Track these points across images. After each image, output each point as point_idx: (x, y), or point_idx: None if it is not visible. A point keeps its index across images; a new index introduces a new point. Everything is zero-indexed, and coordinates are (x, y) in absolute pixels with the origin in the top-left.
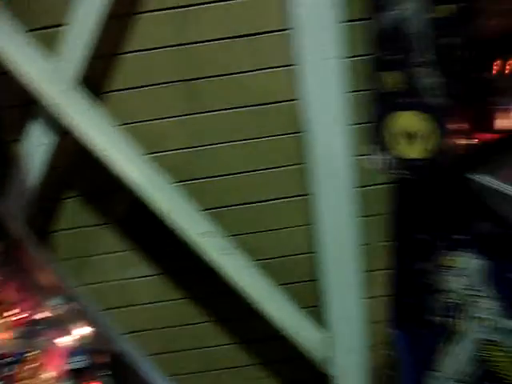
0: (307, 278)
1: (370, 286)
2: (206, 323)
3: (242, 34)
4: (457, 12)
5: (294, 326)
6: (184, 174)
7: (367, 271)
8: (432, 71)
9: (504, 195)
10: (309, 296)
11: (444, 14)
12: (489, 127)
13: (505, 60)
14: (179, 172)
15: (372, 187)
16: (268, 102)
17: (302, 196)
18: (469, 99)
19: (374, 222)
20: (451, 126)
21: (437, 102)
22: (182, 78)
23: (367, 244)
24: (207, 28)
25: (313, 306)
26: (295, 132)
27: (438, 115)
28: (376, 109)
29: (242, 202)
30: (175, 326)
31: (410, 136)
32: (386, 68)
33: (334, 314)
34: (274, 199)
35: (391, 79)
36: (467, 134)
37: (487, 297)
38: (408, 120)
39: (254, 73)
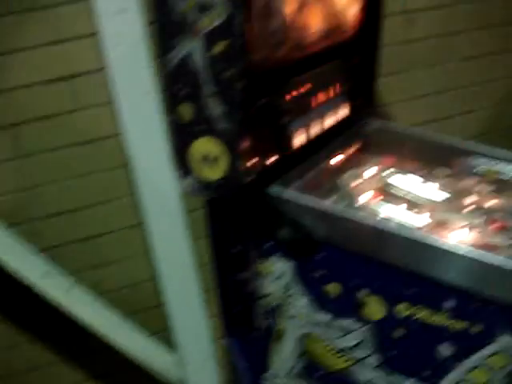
0: (153, 304)
1: (213, 304)
2: (57, 363)
3: (62, 76)
4: (233, 47)
5: (144, 353)
6: (18, 217)
7: (209, 290)
8: (218, 101)
9: (297, 204)
10: (156, 322)
11: (222, 50)
12: (282, 146)
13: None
14: (13, 216)
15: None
16: (93, 138)
17: (138, 225)
18: (257, 123)
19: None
20: (243, 148)
21: (226, 128)
22: (4, 124)
23: (206, 264)
24: (26, 72)
25: (161, 331)
26: (123, 165)
27: (228, 140)
28: (176, 138)
29: (80, 238)
30: (24, 369)
31: (208, 159)
32: (180, 101)
33: (181, 335)
34: (110, 232)
35: (186, 111)
36: (260, 154)
37: (298, 295)
38: (204, 145)
39: (77, 112)
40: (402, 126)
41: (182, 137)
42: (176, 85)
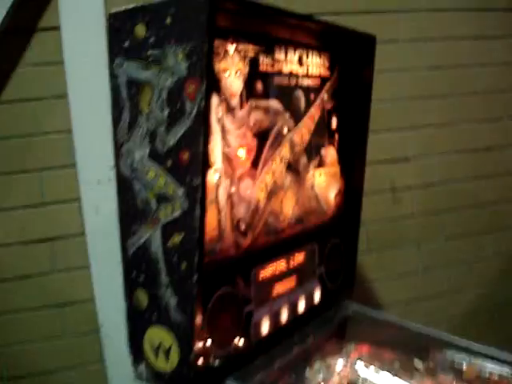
0: None
1: None
2: None
3: (41, 238)
4: (189, 241)
5: None
6: None
7: None
8: (172, 292)
9: None
10: None
11: (177, 242)
12: (244, 335)
13: (257, 274)
14: None
15: None
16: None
17: None
18: (216, 312)
19: None
20: (196, 342)
21: (179, 320)
22: None
23: None
24: (5, 232)
25: None
26: (95, 330)
27: (180, 332)
28: (132, 324)
29: None
30: None
31: (161, 349)
32: (138, 287)
33: None
34: None
35: (142, 298)
36: (218, 345)
37: None
38: (158, 334)
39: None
40: (379, 311)
41: (137, 323)
42: (134, 270)
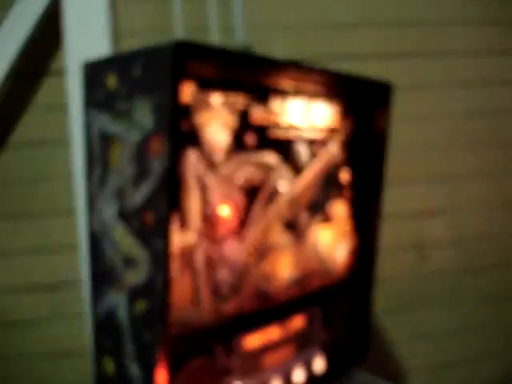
0: None
1: None
2: None
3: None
4: (153, 309)
5: None
6: None
7: None
8: (137, 363)
9: None
10: None
11: (142, 309)
12: None
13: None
14: None
15: None
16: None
17: None
18: None
19: None
20: None
21: None
22: None
23: None
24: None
25: None
26: None
27: None
28: None
29: None
30: None
31: None
32: (106, 353)
33: None
34: None
35: (109, 365)
36: None
37: None
38: None
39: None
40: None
41: None
42: (102, 336)
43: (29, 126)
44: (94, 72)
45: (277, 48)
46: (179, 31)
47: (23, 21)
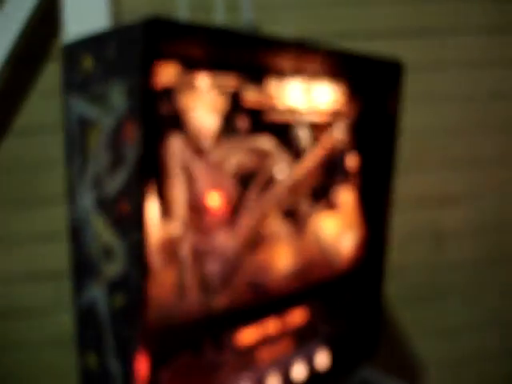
0: None
1: None
2: None
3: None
4: (131, 304)
5: None
6: None
7: None
8: (117, 359)
9: None
10: None
11: (121, 304)
12: None
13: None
14: None
15: None
16: None
17: None
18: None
19: None
20: None
21: None
22: None
23: None
24: None
25: None
26: None
27: None
28: None
29: None
30: None
31: None
32: (89, 348)
33: None
34: None
35: (92, 360)
36: None
37: None
38: None
39: None
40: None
41: None
42: (84, 330)
43: (29, 112)
44: (71, 54)
45: (286, 27)
46: (183, 10)
47: (22, 6)
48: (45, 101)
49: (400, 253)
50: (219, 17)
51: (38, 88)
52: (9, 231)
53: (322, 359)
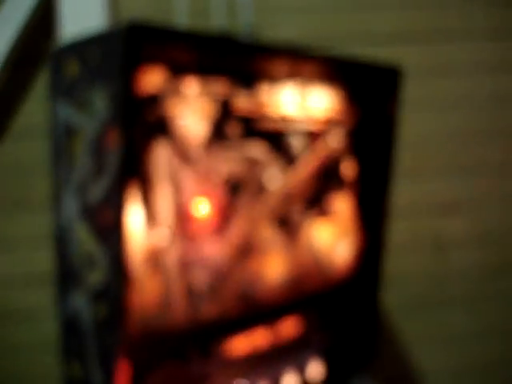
0: None
1: None
2: None
3: None
4: (113, 314)
5: None
6: None
7: None
8: (100, 369)
9: None
10: None
11: (103, 313)
12: None
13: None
14: None
15: None
16: None
17: None
18: None
19: None
20: None
21: None
22: None
23: None
24: None
25: None
26: None
27: None
28: None
29: None
30: None
31: None
32: (73, 356)
33: None
34: None
35: (76, 369)
36: None
37: None
38: None
39: None
40: None
41: None
42: (68, 338)
43: (26, 115)
44: (58, 59)
45: (286, 31)
46: (181, 14)
47: (19, 8)
48: (42, 104)
49: (401, 261)
50: (218, 21)
51: (36, 91)
52: (5, 234)
53: (315, 370)
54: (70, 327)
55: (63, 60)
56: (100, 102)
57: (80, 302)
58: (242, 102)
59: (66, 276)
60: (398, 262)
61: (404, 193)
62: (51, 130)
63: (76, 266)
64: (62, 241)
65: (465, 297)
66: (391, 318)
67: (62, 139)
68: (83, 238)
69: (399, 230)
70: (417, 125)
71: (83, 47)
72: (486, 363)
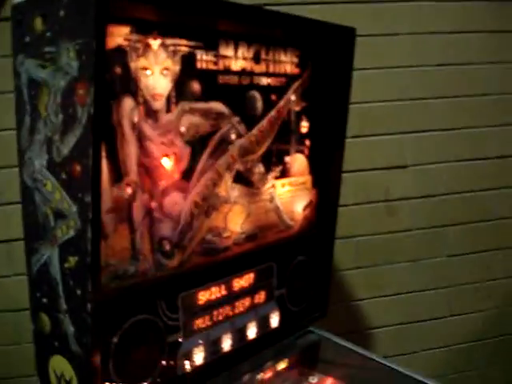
0: None
1: None
2: None
3: None
4: (83, 265)
5: None
6: None
7: None
8: (70, 320)
9: None
10: None
11: (72, 265)
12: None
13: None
14: None
15: None
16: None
17: None
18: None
19: None
20: (99, 375)
21: (77, 351)
22: None
23: None
24: None
25: None
26: None
27: (79, 365)
28: (38, 347)
29: None
30: None
31: (64, 379)
32: (42, 309)
33: None
34: None
35: (45, 321)
36: (131, 379)
37: None
38: (59, 363)
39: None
40: (346, 342)
41: (43, 348)
42: (38, 291)
43: None
44: (22, 14)
45: None
46: None
47: None
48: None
49: (352, 218)
50: None
51: None
52: None
53: (273, 319)
54: (39, 281)
55: (27, 15)
56: (67, 57)
57: (49, 255)
58: (205, 58)
59: (35, 231)
60: (349, 218)
61: (354, 152)
62: (15, 84)
63: (45, 221)
64: (29, 196)
65: (412, 252)
66: (341, 272)
67: (26, 95)
68: (52, 193)
69: (351, 188)
70: (366, 87)
71: (48, 3)
72: (430, 316)
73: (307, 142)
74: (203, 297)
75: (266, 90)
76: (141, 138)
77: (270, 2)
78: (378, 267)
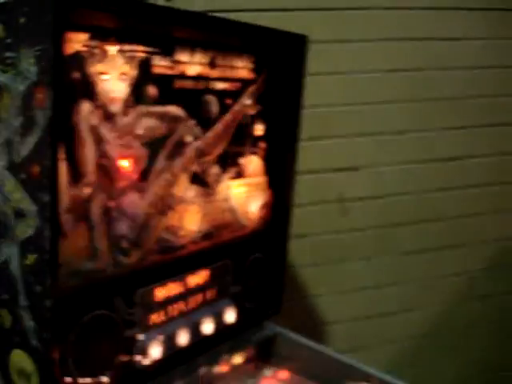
0: None
1: None
2: None
3: None
4: (42, 263)
5: None
6: None
7: None
8: (30, 316)
9: None
10: None
11: (32, 262)
12: (123, 362)
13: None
14: None
15: None
16: None
17: None
18: (87, 338)
19: None
20: (57, 371)
21: (37, 346)
22: None
23: None
24: None
25: None
26: None
27: (39, 359)
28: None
29: None
30: None
31: (24, 374)
32: (2, 305)
33: None
34: None
35: (6, 317)
36: (88, 374)
37: None
38: (19, 358)
39: None
40: (300, 337)
41: (3, 343)
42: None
43: None
44: None
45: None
46: None
47: None
48: None
49: (307, 217)
50: None
51: None
52: None
53: (229, 315)
54: (1, 276)
55: None
56: (26, 62)
57: (9, 252)
58: (161, 63)
59: None
60: (303, 217)
61: (309, 154)
62: None
63: (5, 219)
64: None
65: (364, 250)
66: (296, 270)
67: None
68: (11, 193)
69: (306, 188)
70: (320, 90)
71: (10, 10)
72: (382, 312)
73: (262, 145)
74: (160, 293)
75: (221, 95)
76: (99, 140)
77: (227, 8)
78: (331, 265)
